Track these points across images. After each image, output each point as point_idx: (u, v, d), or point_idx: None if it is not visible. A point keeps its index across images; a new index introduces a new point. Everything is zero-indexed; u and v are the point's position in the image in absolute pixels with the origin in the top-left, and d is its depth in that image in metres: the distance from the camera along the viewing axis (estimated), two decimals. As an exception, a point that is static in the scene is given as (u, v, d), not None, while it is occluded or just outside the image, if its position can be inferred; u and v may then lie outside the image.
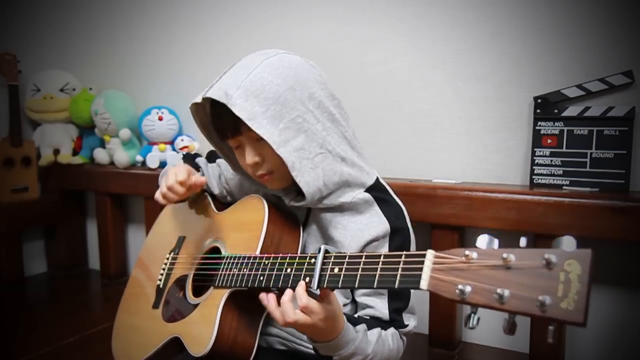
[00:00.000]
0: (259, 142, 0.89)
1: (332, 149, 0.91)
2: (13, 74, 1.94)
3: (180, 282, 1.07)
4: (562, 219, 1.19)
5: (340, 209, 0.96)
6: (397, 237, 0.96)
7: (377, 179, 1.01)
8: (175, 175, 1.02)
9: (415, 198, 1.35)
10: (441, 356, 1.39)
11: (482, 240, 0.60)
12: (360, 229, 0.95)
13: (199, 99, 0.92)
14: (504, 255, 0.56)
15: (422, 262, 0.64)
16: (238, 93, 0.85)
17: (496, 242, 0.60)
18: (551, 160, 1.31)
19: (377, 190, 0.99)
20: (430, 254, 0.64)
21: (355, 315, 0.95)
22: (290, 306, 0.77)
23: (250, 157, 0.91)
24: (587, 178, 1.27)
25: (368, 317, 0.93)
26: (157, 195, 1.06)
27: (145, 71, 2.01)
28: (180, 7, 1.88)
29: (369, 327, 0.89)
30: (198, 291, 1.02)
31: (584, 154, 1.27)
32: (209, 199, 1.16)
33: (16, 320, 1.65)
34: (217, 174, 1.16)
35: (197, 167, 1.17)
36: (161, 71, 1.97)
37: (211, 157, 1.19)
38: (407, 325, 0.95)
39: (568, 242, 0.54)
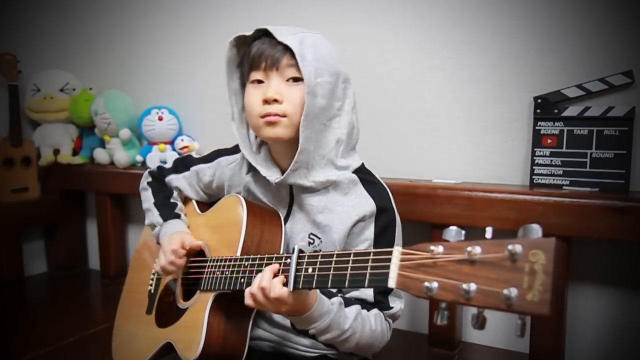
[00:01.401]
0: (287, 83, 0.92)
1: (335, 127, 0.95)
2: (13, 74, 1.94)
3: (170, 286, 1.08)
4: (562, 219, 1.19)
5: (324, 191, 0.97)
6: (383, 217, 0.97)
7: (362, 164, 1.03)
8: (166, 256, 1.02)
9: (415, 198, 1.35)
10: (441, 356, 1.39)
11: (449, 233, 0.60)
12: (347, 211, 0.95)
13: (249, 32, 0.96)
14: (469, 248, 0.55)
15: (389, 260, 0.64)
16: (294, 37, 0.91)
17: (462, 233, 0.59)
18: (551, 160, 1.31)
19: (362, 172, 1.01)
20: (397, 250, 0.64)
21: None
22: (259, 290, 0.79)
23: (272, 92, 0.91)
24: (587, 178, 1.27)
25: (352, 299, 0.93)
26: (159, 269, 1.05)
27: (145, 71, 2.01)
28: (180, 8, 1.88)
29: (348, 304, 0.89)
30: (188, 295, 1.03)
31: (584, 154, 1.27)
32: (192, 200, 1.17)
33: (16, 320, 1.65)
34: (195, 182, 1.16)
35: (168, 194, 1.16)
36: (161, 71, 1.97)
37: (181, 166, 1.18)
38: (392, 308, 0.95)
39: (533, 231, 0.53)
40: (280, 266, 0.81)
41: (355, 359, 1.03)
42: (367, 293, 0.93)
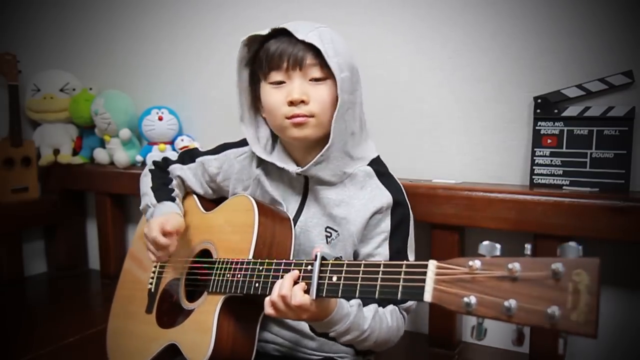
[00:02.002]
0: (310, 83, 0.91)
1: (348, 119, 0.95)
2: (13, 74, 1.94)
3: (172, 286, 1.06)
4: (562, 219, 1.19)
5: (341, 185, 0.97)
6: (398, 211, 0.97)
7: (378, 156, 1.04)
8: (151, 233, 1.00)
9: (415, 198, 1.33)
10: (441, 356, 1.39)
11: (485, 248, 0.59)
12: (364, 204, 0.96)
13: (265, 32, 0.93)
14: (509, 265, 0.55)
15: (425, 274, 0.63)
16: (312, 34, 0.90)
17: (498, 248, 0.59)
18: (551, 160, 1.31)
19: (377, 165, 1.01)
20: (432, 264, 0.63)
21: None
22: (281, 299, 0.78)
23: (298, 93, 0.90)
24: (587, 178, 1.27)
25: None
26: (153, 258, 1.03)
27: (145, 71, 2.00)
28: (182, 8, 1.88)
29: (366, 304, 0.89)
30: (191, 295, 1.02)
31: (584, 154, 1.27)
32: (195, 198, 1.15)
33: (16, 320, 1.64)
34: (200, 173, 1.14)
35: (167, 181, 1.15)
36: (161, 71, 1.97)
37: (187, 158, 1.17)
38: (406, 301, 0.95)
39: (573, 250, 0.53)
40: (300, 273, 0.79)
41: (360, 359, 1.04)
42: None
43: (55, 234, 2.13)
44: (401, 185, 1.01)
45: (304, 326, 0.96)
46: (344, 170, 0.96)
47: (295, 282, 0.78)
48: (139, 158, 1.89)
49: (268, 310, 0.79)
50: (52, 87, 2.03)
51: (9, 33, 2.07)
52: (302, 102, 0.90)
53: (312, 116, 0.92)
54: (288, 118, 0.92)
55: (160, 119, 1.85)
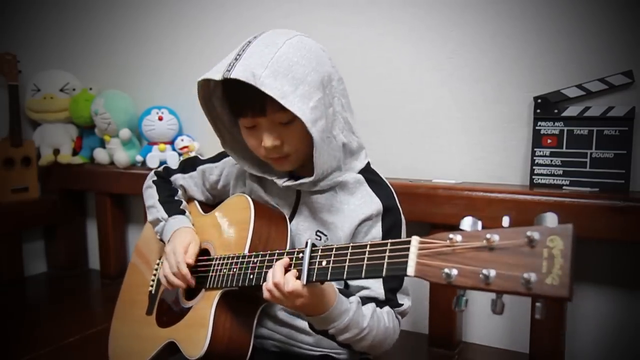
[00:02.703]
0: (281, 124, 0.88)
1: (337, 134, 0.93)
2: (13, 74, 1.94)
3: None
4: (562, 219, 1.19)
5: (332, 191, 0.97)
6: (389, 217, 0.97)
7: (368, 163, 1.03)
8: (170, 268, 0.99)
9: (415, 198, 1.35)
10: (441, 356, 1.39)
11: (466, 223, 0.61)
12: (354, 210, 0.96)
13: (218, 77, 0.85)
14: (488, 235, 0.57)
15: (408, 249, 0.64)
16: (266, 73, 0.82)
17: (479, 223, 0.60)
18: (551, 160, 1.31)
19: (367, 172, 1.01)
20: (415, 240, 0.64)
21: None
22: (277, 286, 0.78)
23: (270, 140, 0.89)
24: (587, 178, 1.27)
25: (364, 298, 0.93)
26: (165, 282, 1.02)
27: (146, 71, 2.01)
28: (183, 8, 1.88)
29: (363, 303, 0.89)
30: (190, 294, 1.02)
31: (584, 154, 1.27)
32: (195, 201, 1.16)
33: (16, 320, 1.65)
34: (201, 182, 1.15)
35: (173, 192, 1.15)
36: (162, 71, 1.97)
37: (188, 166, 1.17)
38: (401, 305, 0.95)
39: (550, 219, 0.55)
40: (291, 260, 0.80)
41: (357, 359, 1.04)
42: (378, 291, 0.93)
43: (55, 234, 2.13)
44: (392, 190, 1.01)
45: (298, 322, 0.97)
46: (334, 180, 0.96)
47: (287, 270, 0.79)
48: (139, 158, 1.89)
49: (265, 294, 0.80)
50: (52, 87, 2.03)
51: (9, 33, 2.08)
52: (277, 147, 0.90)
53: (288, 155, 0.92)
54: (267, 157, 0.93)
55: (160, 119, 1.85)
